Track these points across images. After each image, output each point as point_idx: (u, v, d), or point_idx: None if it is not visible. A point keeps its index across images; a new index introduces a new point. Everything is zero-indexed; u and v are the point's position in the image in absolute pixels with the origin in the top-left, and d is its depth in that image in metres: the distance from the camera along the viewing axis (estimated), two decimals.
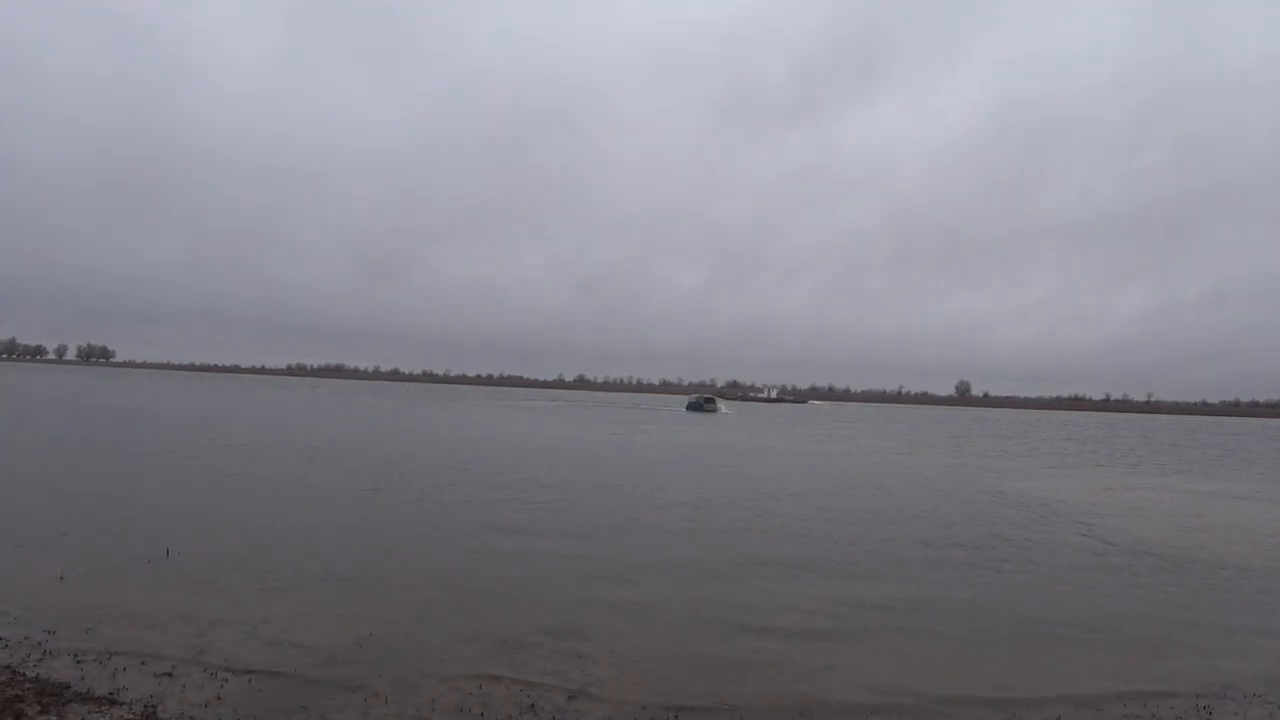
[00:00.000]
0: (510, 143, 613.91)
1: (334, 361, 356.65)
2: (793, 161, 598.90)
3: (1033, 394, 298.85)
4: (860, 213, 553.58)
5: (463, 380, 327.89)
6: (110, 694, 7.02)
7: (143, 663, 7.81)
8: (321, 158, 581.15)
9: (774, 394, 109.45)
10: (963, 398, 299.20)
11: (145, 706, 6.81)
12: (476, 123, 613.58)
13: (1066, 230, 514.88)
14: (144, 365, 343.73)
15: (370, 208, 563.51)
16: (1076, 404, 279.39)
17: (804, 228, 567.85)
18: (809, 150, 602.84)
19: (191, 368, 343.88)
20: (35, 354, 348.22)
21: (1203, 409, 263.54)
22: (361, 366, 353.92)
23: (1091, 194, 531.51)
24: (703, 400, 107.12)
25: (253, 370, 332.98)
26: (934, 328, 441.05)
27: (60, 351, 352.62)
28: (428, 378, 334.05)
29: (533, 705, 7.30)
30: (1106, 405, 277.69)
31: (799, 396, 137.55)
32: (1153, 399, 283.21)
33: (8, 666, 7.53)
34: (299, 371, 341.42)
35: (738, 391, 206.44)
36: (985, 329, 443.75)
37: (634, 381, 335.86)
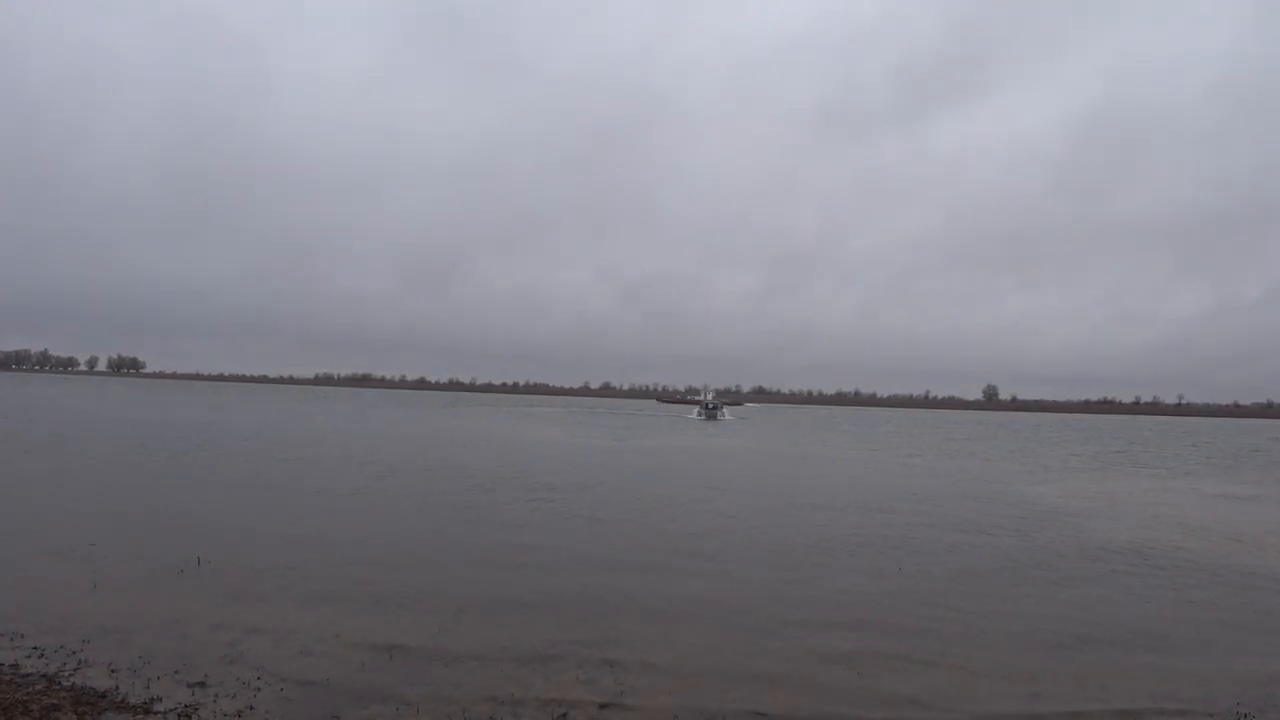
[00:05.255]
0: (584, 153, 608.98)
1: (362, 371, 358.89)
2: (870, 167, 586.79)
3: (1066, 397, 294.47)
4: (927, 216, 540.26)
5: (488, 389, 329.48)
6: (145, 703, 7.03)
7: (176, 671, 7.83)
8: (386, 173, 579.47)
9: (710, 397, 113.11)
10: (990, 402, 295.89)
11: (179, 715, 6.82)
12: (554, 133, 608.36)
13: (1134, 232, 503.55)
14: (173, 376, 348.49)
15: (428, 221, 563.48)
16: (1106, 407, 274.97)
17: (867, 232, 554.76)
18: (890, 155, 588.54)
19: (220, 378, 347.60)
20: (67, 365, 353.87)
21: (1234, 410, 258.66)
22: (389, 376, 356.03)
23: (1169, 196, 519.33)
24: (706, 405, 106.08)
25: (280, 380, 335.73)
26: (979, 331, 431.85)
27: (91, 363, 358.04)
28: (454, 386, 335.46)
29: (564, 715, 7.23)
30: (1136, 408, 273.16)
31: (735, 399, 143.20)
32: (1184, 401, 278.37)
33: (44, 675, 7.58)
34: (325, 381, 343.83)
35: (676, 395, 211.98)
36: (1032, 331, 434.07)
37: (659, 388, 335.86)
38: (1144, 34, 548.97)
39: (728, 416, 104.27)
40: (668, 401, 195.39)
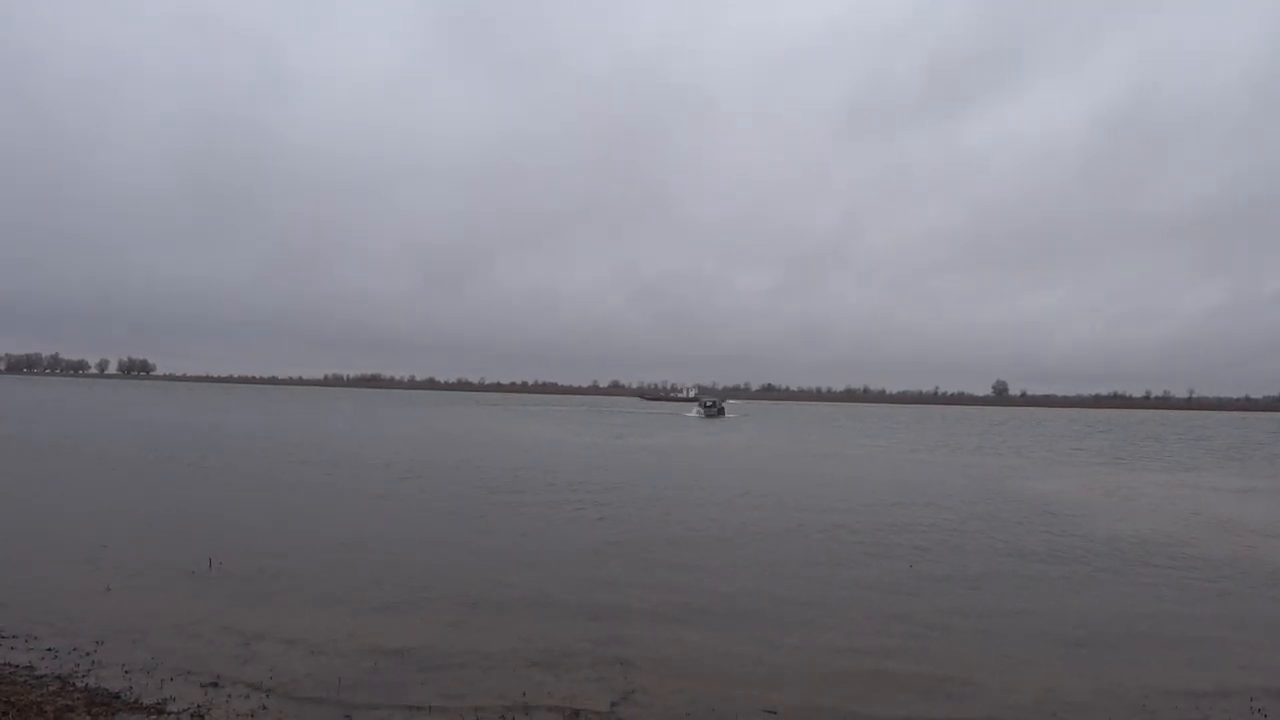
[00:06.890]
0: (604, 152, 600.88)
1: (371, 371, 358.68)
2: (895, 164, 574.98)
3: (1079, 393, 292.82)
4: (948, 214, 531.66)
5: (496, 388, 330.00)
6: (158, 704, 7.07)
7: (189, 673, 7.87)
8: (402, 173, 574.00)
9: (692, 394, 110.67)
10: (999, 398, 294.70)
11: (192, 716, 6.85)
12: (573, 132, 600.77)
13: (1152, 227, 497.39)
14: (183, 378, 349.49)
15: (445, 221, 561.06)
16: (1116, 402, 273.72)
17: (887, 230, 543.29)
18: (915, 152, 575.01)
19: (230, 379, 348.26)
20: (78, 369, 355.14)
21: (1245, 405, 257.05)
22: (398, 376, 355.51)
23: (1189, 191, 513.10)
24: (705, 404, 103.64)
25: (290, 381, 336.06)
26: (993, 327, 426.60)
27: (102, 366, 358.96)
28: (462, 386, 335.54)
29: (576, 713, 7.24)
30: (1146, 403, 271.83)
31: (723, 396, 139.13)
32: (1195, 395, 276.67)
33: (58, 676, 7.63)
34: (335, 381, 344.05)
35: (660, 392, 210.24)
36: (1046, 327, 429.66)
37: (668, 386, 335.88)
38: (1173, 28, 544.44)
39: (730, 415, 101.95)
40: (651, 399, 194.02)
